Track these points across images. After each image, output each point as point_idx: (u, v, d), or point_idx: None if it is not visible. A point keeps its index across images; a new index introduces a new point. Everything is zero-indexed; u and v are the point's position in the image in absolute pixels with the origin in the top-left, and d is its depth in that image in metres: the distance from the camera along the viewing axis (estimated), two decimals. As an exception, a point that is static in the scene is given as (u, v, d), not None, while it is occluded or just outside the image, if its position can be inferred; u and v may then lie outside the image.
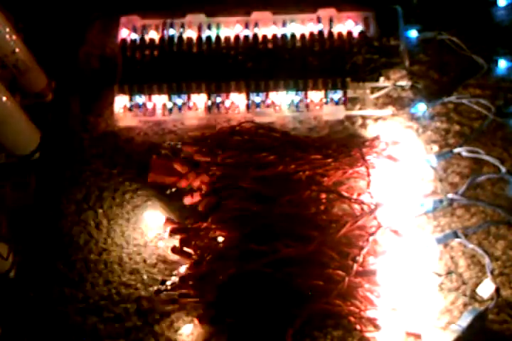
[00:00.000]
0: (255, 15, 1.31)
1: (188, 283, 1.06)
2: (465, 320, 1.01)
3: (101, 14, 1.35)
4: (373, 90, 1.24)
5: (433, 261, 1.08)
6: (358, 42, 1.27)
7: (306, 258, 1.06)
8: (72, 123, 1.26)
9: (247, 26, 1.30)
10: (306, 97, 1.23)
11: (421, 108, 1.21)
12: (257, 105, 1.23)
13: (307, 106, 1.23)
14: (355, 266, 1.04)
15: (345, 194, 1.12)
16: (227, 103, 1.24)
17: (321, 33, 1.28)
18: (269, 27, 1.29)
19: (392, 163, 1.15)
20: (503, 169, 1.15)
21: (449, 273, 1.07)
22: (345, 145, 1.18)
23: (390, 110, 1.22)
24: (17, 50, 1.16)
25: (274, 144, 1.18)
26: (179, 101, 1.24)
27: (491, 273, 1.06)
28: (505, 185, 1.14)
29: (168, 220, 1.13)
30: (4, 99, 1.10)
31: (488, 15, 1.31)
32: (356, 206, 1.11)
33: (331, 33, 1.28)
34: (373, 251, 1.07)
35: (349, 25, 1.28)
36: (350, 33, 1.28)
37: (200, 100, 1.24)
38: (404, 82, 1.24)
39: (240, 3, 1.34)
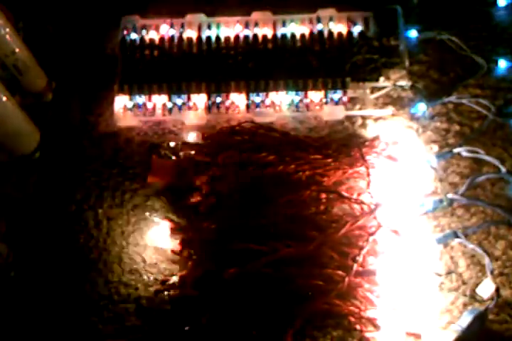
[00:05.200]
0: (255, 15, 1.31)
1: (188, 283, 1.06)
2: (465, 320, 1.01)
3: (101, 14, 1.35)
4: (373, 90, 1.24)
5: (433, 261, 1.08)
6: (358, 42, 1.27)
7: (306, 258, 1.06)
8: (72, 123, 1.26)
9: (247, 26, 1.30)
10: (306, 97, 1.23)
11: (421, 108, 1.21)
12: (257, 105, 1.23)
13: (307, 106, 1.23)
14: (355, 266, 1.04)
15: (345, 194, 1.12)
16: (227, 103, 1.24)
17: (321, 33, 1.28)
18: (269, 27, 1.30)
19: (392, 163, 1.15)
20: (503, 169, 1.15)
21: (449, 273, 1.07)
22: (345, 145, 1.18)
23: (390, 110, 1.22)
24: (17, 50, 1.16)
25: (274, 144, 1.18)
26: (179, 101, 1.24)
27: (491, 273, 1.06)
28: (505, 185, 1.14)
29: (169, 220, 1.13)
30: (4, 99, 1.10)
31: (488, 15, 1.31)
32: (356, 206, 1.11)
33: (331, 33, 1.28)
34: (373, 251, 1.07)
35: (349, 25, 1.29)
36: (350, 33, 1.28)
37: (200, 100, 1.24)
38: (404, 82, 1.24)
39: (240, 3, 1.34)
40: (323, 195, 1.12)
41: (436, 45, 1.28)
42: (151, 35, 1.30)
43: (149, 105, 1.24)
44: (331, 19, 1.29)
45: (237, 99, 1.24)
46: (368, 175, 1.13)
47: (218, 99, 1.24)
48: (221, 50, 1.28)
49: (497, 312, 1.04)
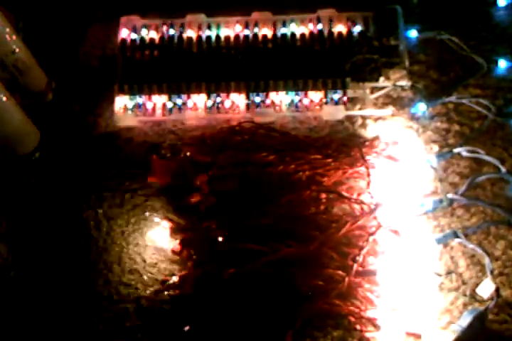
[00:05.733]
0: (255, 15, 1.31)
1: (188, 283, 1.06)
2: (465, 320, 1.01)
3: (101, 14, 1.35)
4: (373, 90, 1.24)
5: (433, 261, 1.08)
6: (358, 42, 1.27)
7: (306, 258, 1.06)
8: (72, 123, 1.25)
9: (247, 26, 1.30)
10: (306, 97, 1.23)
11: (421, 108, 1.21)
12: (257, 105, 1.23)
13: (307, 106, 1.23)
14: (355, 266, 1.04)
15: (345, 194, 1.12)
16: (227, 103, 1.24)
17: (321, 33, 1.28)
18: (269, 27, 1.29)
19: (392, 163, 1.15)
20: (503, 169, 1.15)
21: (449, 273, 1.07)
22: (345, 145, 1.18)
23: (390, 110, 1.22)
24: (17, 50, 1.17)
25: (274, 144, 1.18)
26: (179, 101, 1.24)
27: (491, 273, 1.06)
28: (505, 185, 1.14)
29: (169, 220, 1.13)
30: (4, 99, 1.10)
31: (488, 15, 1.31)
32: (356, 206, 1.11)
33: (331, 33, 1.28)
34: (373, 251, 1.07)
35: (349, 25, 1.29)
36: (350, 33, 1.28)
37: (200, 100, 1.24)
38: (404, 82, 1.24)
39: (240, 3, 1.34)
40: (323, 195, 1.12)
41: (436, 45, 1.28)
42: (151, 35, 1.30)
43: (149, 105, 1.24)
44: (330, 19, 1.29)
45: (237, 99, 1.24)
46: (368, 175, 1.13)
47: (218, 99, 1.24)
48: (221, 50, 1.28)
49: (497, 312, 1.04)
